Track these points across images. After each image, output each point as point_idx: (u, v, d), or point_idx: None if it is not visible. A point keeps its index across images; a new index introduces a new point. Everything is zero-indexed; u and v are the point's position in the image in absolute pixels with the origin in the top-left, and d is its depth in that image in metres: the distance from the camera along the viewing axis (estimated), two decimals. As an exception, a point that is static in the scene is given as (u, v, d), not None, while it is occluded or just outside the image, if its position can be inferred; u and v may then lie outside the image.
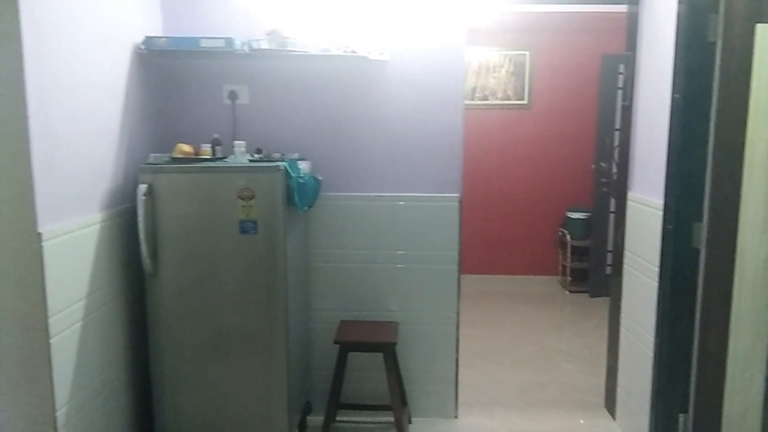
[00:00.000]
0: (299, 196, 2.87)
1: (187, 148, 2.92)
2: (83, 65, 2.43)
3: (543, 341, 4.76)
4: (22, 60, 2.03)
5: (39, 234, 2.11)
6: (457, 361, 3.43)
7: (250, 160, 2.90)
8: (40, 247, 2.11)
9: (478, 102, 5.90)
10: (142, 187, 2.66)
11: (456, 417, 3.46)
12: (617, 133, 5.37)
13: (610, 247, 5.59)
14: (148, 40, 2.90)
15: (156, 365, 2.83)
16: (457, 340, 3.42)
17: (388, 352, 3.05)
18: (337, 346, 3.07)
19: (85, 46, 2.44)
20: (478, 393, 3.81)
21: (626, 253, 3.27)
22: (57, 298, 2.21)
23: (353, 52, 3.07)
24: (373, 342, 3.04)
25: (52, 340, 2.17)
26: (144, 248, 2.68)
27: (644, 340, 2.99)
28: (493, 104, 5.99)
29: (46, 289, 2.14)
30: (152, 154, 2.89)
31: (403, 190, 3.31)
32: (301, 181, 2.88)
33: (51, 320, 2.17)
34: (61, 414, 2.23)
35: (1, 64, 2.02)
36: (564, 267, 6.10)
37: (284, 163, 2.81)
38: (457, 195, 3.31)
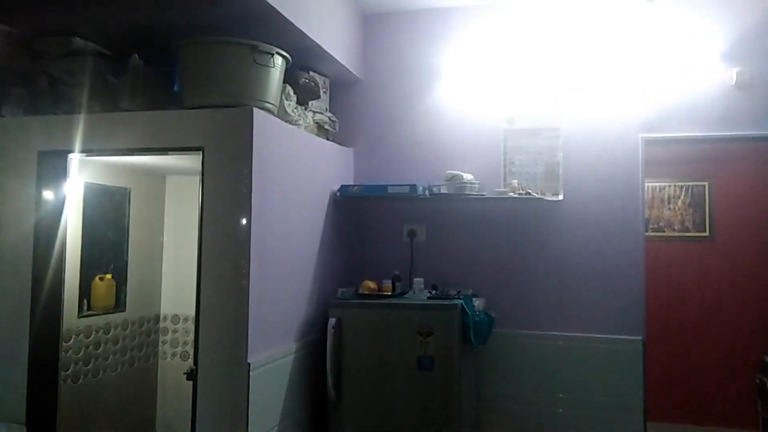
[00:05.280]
0: (475, 333, 2.91)
1: (372, 284, 3.14)
2: (292, 212, 2.80)
3: None
4: (250, 212, 2.40)
5: (248, 364, 2.36)
6: None
7: (428, 297, 3.03)
8: (248, 375, 2.36)
9: (652, 234, 5.64)
10: (332, 321, 2.89)
11: None
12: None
13: (827, 401, 4.76)
14: (344, 188, 3.28)
15: (333, 497, 2.88)
16: (647, 503, 3.07)
17: None
18: (512, 495, 2.92)
19: (294, 196, 2.83)
20: None
21: None
22: (257, 425, 2.40)
23: (528, 193, 3.19)
24: (552, 496, 2.84)
25: (250, 467, 2.35)
26: (330, 378, 2.85)
27: None
28: (671, 236, 5.69)
29: (249, 416, 2.35)
30: (340, 289, 3.15)
31: (578, 330, 3.20)
32: (476, 319, 2.94)
33: (251, 446, 2.35)
34: None
35: (235, 217, 2.41)
36: (764, 420, 5.27)
37: (461, 301, 2.90)
38: (640, 338, 3.12)
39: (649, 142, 3.22)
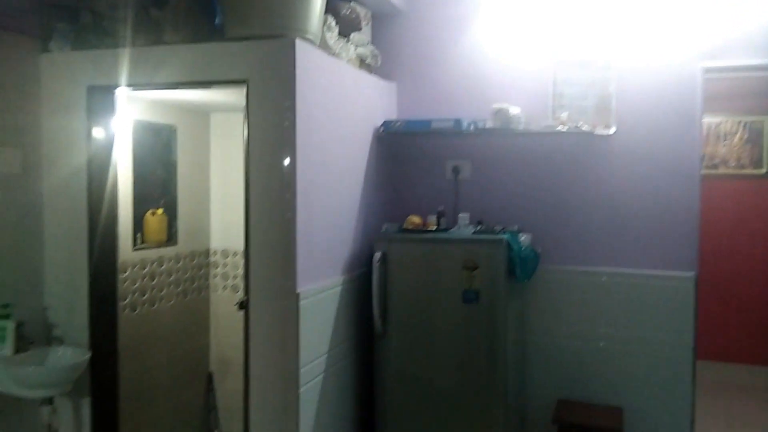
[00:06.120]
0: (520, 268, 2.90)
1: (417, 219, 3.14)
2: (336, 147, 2.79)
3: (796, 450, 4.04)
4: (295, 146, 2.40)
5: (297, 294, 2.42)
6: (691, 460, 3.08)
7: (474, 232, 3.01)
8: (298, 305, 2.42)
9: (705, 171, 5.43)
10: (377, 255, 2.92)
11: None
12: None
13: None
14: (387, 123, 3.24)
15: (380, 419, 2.99)
16: (691, 437, 3.07)
17: (612, 439, 2.85)
18: (555, 425, 2.96)
19: (337, 131, 2.81)
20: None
21: None
22: (307, 352, 2.49)
23: (577, 127, 3.08)
24: (596, 427, 2.87)
25: (301, 390, 2.44)
26: (376, 311, 2.90)
27: None
28: (725, 174, 5.47)
29: (300, 343, 2.43)
30: (385, 224, 3.16)
31: (627, 266, 3.15)
32: (522, 254, 2.92)
33: (302, 371, 2.44)
34: (303, 459, 2.47)
35: (280, 150, 2.41)
36: (818, 362, 5.16)
37: (506, 236, 2.88)
38: (692, 274, 3.05)
39: (709, 71, 3.04)
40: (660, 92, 3.08)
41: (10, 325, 2.53)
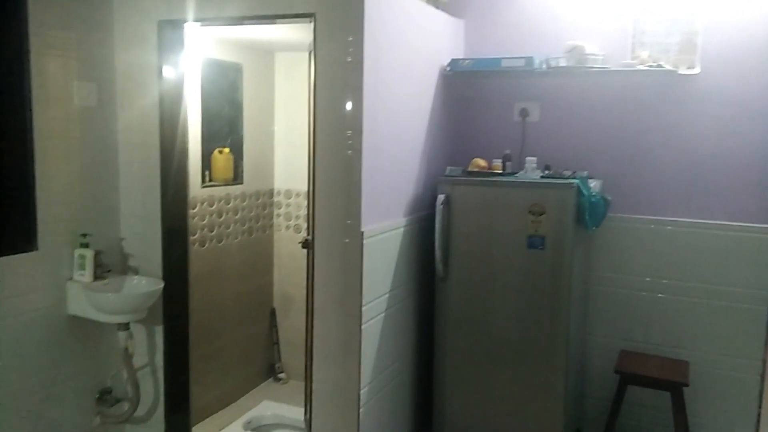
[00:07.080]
0: (590, 215, 2.80)
1: (482, 162, 3.07)
2: (402, 86, 2.73)
3: None
4: (362, 84, 2.35)
5: (362, 232, 2.42)
6: (759, 417, 2.97)
7: (542, 177, 2.92)
8: (362, 243, 2.43)
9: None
10: (441, 197, 2.88)
11: (753, 482, 3.00)
12: None
13: None
14: (454, 62, 3.13)
15: (439, 363, 3.02)
16: (761, 394, 2.96)
17: (677, 392, 2.78)
18: (617, 375, 2.91)
19: (404, 69, 2.73)
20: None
21: None
22: (369, 290, 2.51)
23: (659, 66, 2.89)
24: (660, 379, 2.80)
25: (363, 326, 2.48)
26: (438, 253, 2.89)
27: None
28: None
29: (363, 281, 2.45)
30: (448, 167, 3.11)
31: (704, 216, 2.99)
32: (592, 200, 2.81)
33: (364, 308, 2.47)
34: (364, 392, 2.53)
35: (347, 88, 2.37)
36: None
37: (577, 181, 2.77)
38: (776, 226, 2.88)
39: (812, 5, 2.77)
40: (752, 30, 2.83)
41: (89, 254, 2.66)
